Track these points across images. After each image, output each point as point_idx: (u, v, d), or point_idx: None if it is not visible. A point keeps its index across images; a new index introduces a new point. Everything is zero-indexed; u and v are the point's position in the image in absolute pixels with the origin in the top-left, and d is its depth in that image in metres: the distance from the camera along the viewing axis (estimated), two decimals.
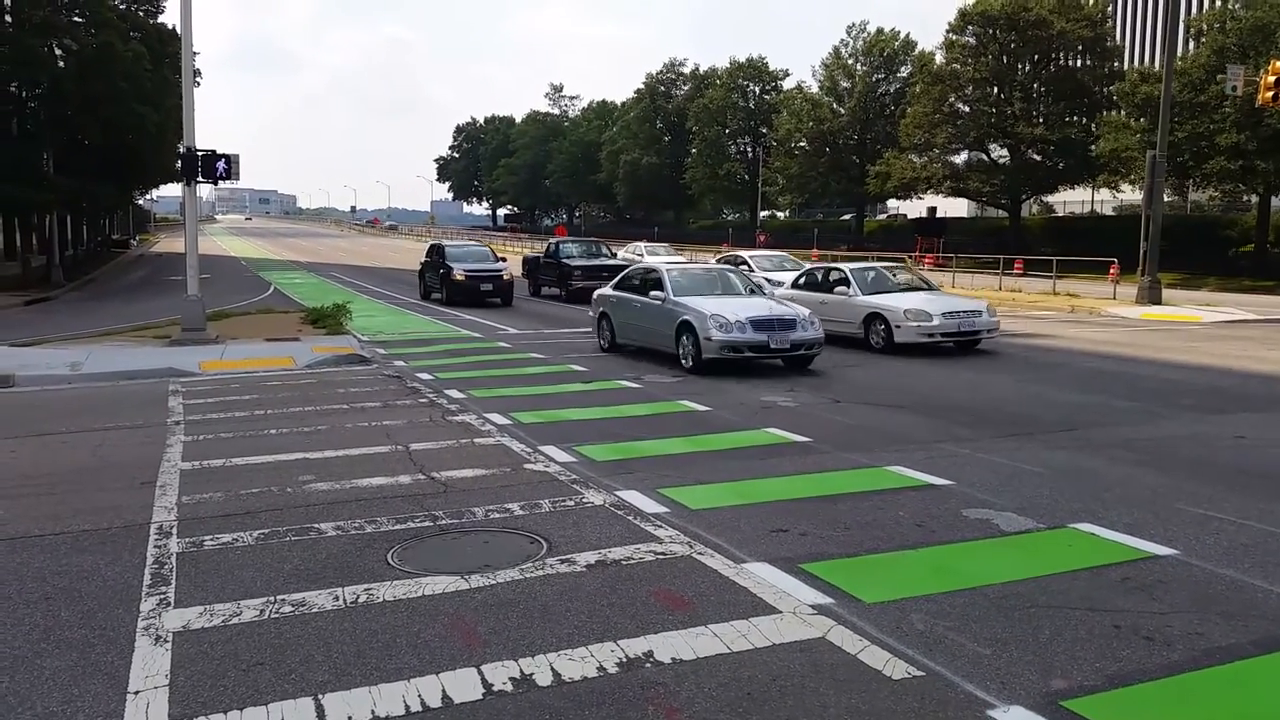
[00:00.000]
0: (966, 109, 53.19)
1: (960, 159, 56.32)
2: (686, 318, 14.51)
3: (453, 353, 17.43)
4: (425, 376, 14.39)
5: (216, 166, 18.69)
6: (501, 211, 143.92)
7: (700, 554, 6.18)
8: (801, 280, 19.64)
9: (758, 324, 14.14)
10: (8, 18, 35.90)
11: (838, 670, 4.55)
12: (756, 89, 79.22)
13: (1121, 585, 5.64)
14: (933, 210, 60.82)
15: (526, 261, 34.64)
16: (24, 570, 6.04)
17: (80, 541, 6.59)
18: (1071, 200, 64.14)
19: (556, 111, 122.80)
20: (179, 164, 19.58)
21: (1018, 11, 49.09)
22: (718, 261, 27.14)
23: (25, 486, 8.14)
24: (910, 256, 40.97)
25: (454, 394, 12.71)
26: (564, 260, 29.83)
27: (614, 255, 32.96)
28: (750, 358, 14.37)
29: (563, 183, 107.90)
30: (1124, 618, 5.16)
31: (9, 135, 36.48)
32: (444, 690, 4.38)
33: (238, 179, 19.51)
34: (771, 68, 79.11)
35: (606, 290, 17.65)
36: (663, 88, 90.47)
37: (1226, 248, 41.14)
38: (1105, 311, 25.83)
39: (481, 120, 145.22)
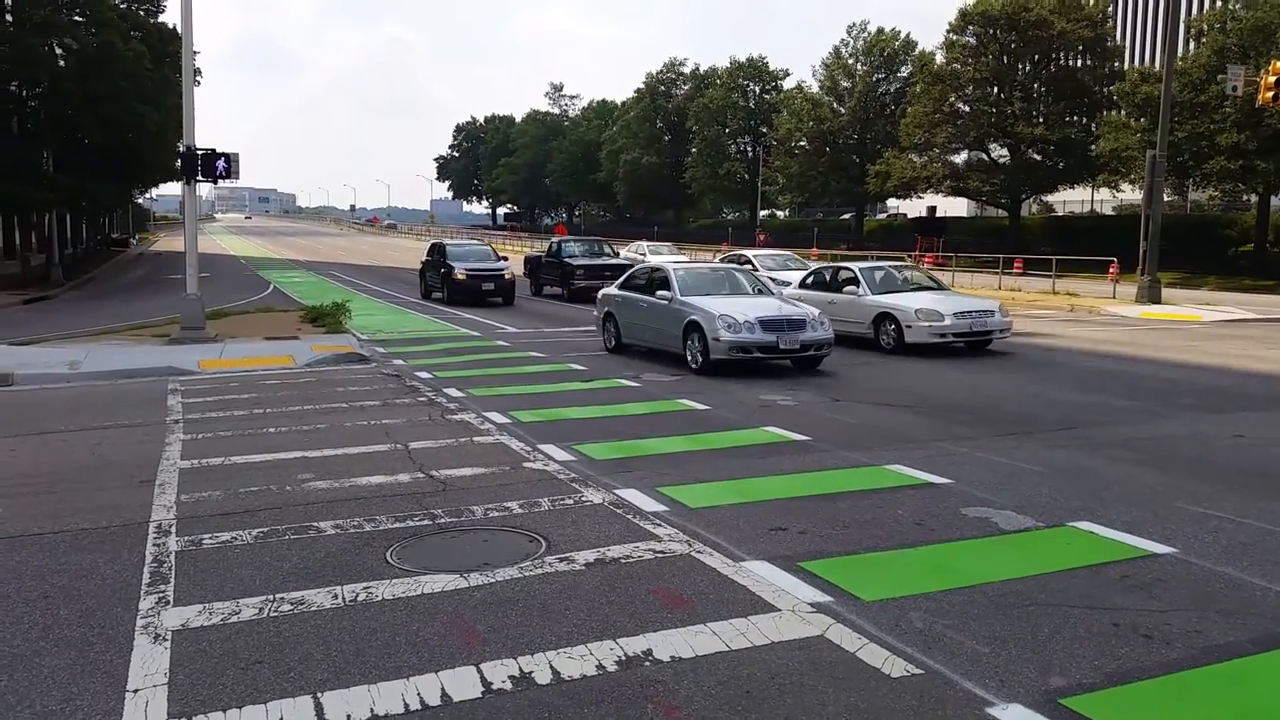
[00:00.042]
0: (967, 109, 53.17)
1: (960, 158, 56.32)
2: (694, 318, 14.29)
3: (452, 351, 17.44)
4: (424, 375, 14.39)
5: (216, 165, 18.71)
6: (501, 211, 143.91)
7: (699, 552, 6.18)
8: (809, 280, 19.40)
9: (767, 324, 13.93)
10: (8, 17, 35.91)
11: (837, 668, 4.55)
12: (757, 88, 79.17)
13: (1120, 583, 5.64)
14: (932, 210, 60.85)
15: (529, 261, 34.56)
16: (23, 569, 6.04)
17: (79, 540, 6.59)
18: (1071, 200, 64.19)
19: (557, 111, 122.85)
20: (179, 163, 19.62)
21: (1018, 11, 49.08)
22: (722, 261, 27.06)
23: (24, 485, 8.14)
24: (910, 256, 40.95)
25: (453, 392, 12.71)
26: (566, 259, 29.73)
27: (617, 255, 32.85)
28: (759, 358, 14.17)
29: (562, 182, 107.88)
30: (1123, 616, 5.16)
31: (9, 134, 36.49)
32: (443, 688, 4.38)
33: (237, 178, 19.54)
34: (772, 67, 79.05)
35: (612, 290, 17.41)
36: (663, 87, 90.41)
37: (1226, 247, 41.13)
38: (1105, 311, 25.83)
39: (481, 119, 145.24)
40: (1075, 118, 52.05)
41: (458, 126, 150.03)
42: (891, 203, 79.70)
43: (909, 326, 16.34)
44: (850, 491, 7.64)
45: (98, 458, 9.19)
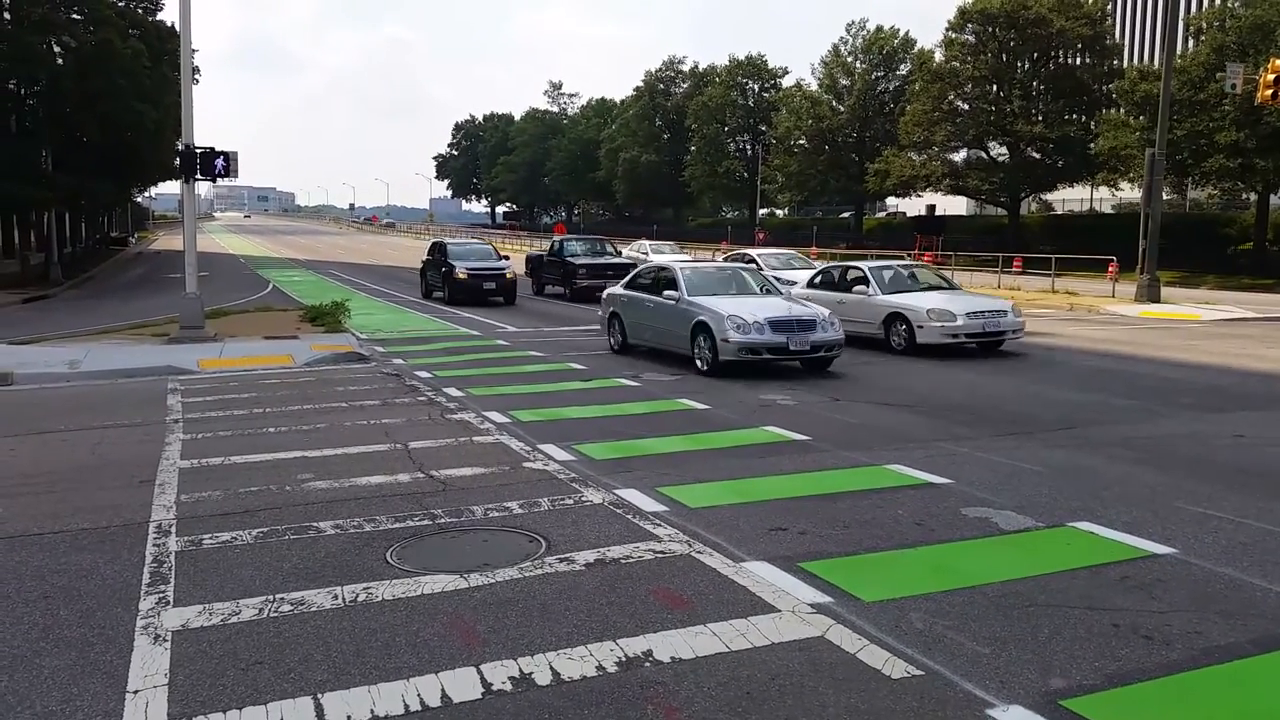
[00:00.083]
0: (966, 107, 53.17)
1: (959, 157, 56.33)
2: (702, 318, 14.05)
3: (451, 351, 17.43)
4: (424, 374, 14.39)
5: (215, 164, 18.70)
6: (500, 209, 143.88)
7: (699, 553, 6.18)
8: (818, 279, 19.05)
9: (776, 325, 13.69)
10: (6, 14, 35.87)
11: (837, 669, 4.55)
12: (756, 87, 79.13)
13: (1120, 584, 5.64)
14: (932, 208, 60.86)
15: (530, 260, 34.47)
16: (23, 569, 6.04)
17: (79, 540, 6.59)
18: (1070, 198, 64.19)
19: (556, 109, 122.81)
20: (178, 161, 19.60)
21: (1017, 9, 49.07)
22: (725, 259, 26.96)
23: (24, 485, 8.13)
24: (909, 254, 40.92)
25: (453, 392, 12.71)
26: (568, 258, 29.59)
27: (619, 254, 32.73)
28: (769, 360, 13.93)
29: (562, 180, 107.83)
30: (1123, 616, 5.16)
31: (8, 132, 36.44)
32: (443, 689, 4.38)
33: (236, 176, 19.53)
34: (771, 65, 79.01)
35: (617, 289, 17.14)
36: (662, 85, 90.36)
37: (1225, 246, 41.13)
38: (1104, 309, 25.83)
39: (481, 118, 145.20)
40: (1074, 116, 52.07)
41: (457, 125, 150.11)
42: (891, 201, 79.65)
43: (920, 327, 16.06)
44: (850, 491, 7.64)
45: (97, 457, 9.19)
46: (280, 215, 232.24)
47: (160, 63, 38.23)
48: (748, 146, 79.56)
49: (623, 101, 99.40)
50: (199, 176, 18.92)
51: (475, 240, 43.93)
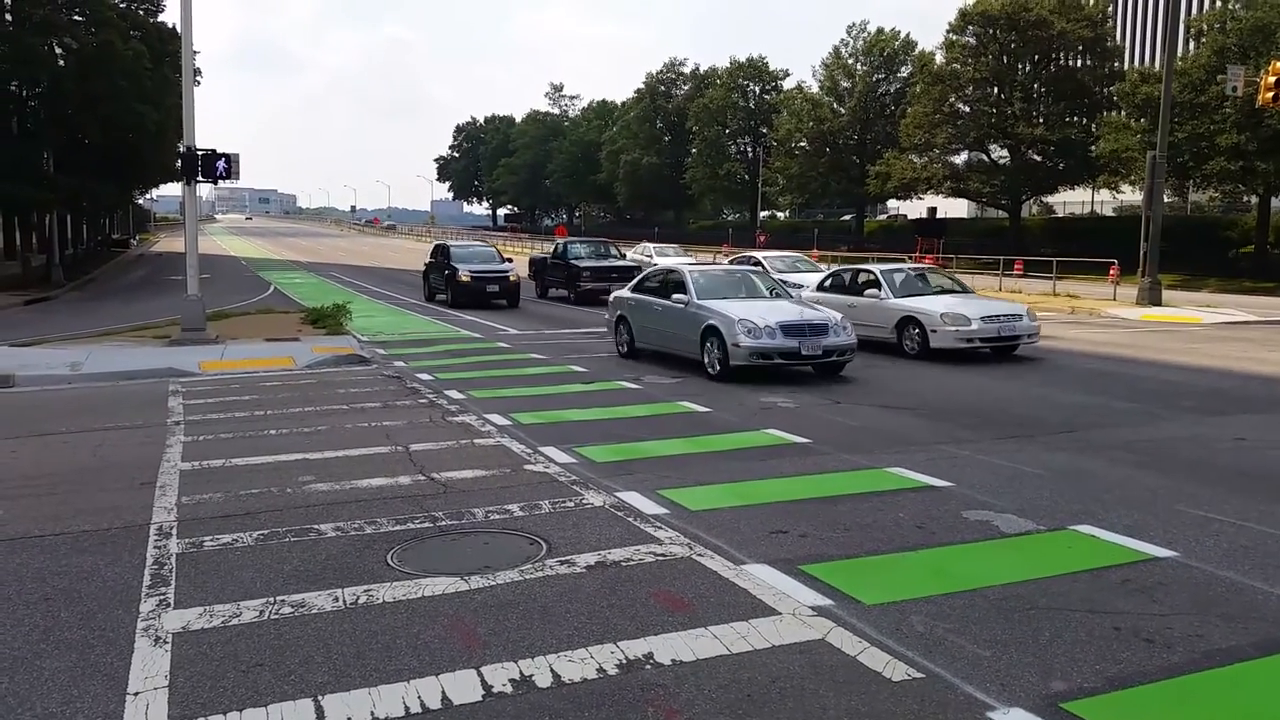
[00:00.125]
0: (967, 109, 53.20)
1: (960, 159, 56.32)
2: (712, 322, 13.81)
3: (453, 353, 17.43)
4: (425, 377, 14.39)
5: (216, 165, 18.70)
6: (501, 211, 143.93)
7: (700, 555, 6.18)
8: (828, 282, 18.77)
9: (788, 329, 13.48)
10: (8, 16, 35.91)
11: (837, 672, 4.55)
12: (756, 89, 79.23)
13: (1121, 587, 5.64)
14: (933, 211, 60.78)
15: (534, 262, 34.36)
16: (24, 571, 6.04)
17: (80, 542, 6.59)
18: (1071, 201, 64.15)
19: (557, 111, 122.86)
20: (179, 163, 19.60)
21: (1018, 11, 49.10)
22: (731, 262, 26.89)
23: (26, 487, 8.14)
24: (910, 257, 40.94)
25: (454, 394, 12.71)
26: (572, 261, 29.44)
27: (623, 256, 32.66)
28: (780, 365, 13.68)
29: (563, 183, 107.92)
30: (1124, 619, 5.16)
31: (9, 134, 36.50)
32: (444, 691, 4.38)
33: (238, 178, 19.53)
34: (771, 68, 79.18)
35: (624, 292, 16.91)
36: (663, 87, 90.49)
37: (1227, 249, 41.13)
38: (1105, 312, 25.83)
39: (482, 120, 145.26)
40: (1075, 118, 52.07)
41: (458, 127, 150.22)
42: (892, 204, 79.75)
43: (934, 331, 15.76)
44: (851, 494, 7.64)
45: (99, 459, 9.19)
46: (282, 217, 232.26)
47: (161, 64, 38.27)
48: (749, 149, 79.64)
49: (624, 104, 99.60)
50: (200, 178, 18.93)
51: (479, 243, 43.91)
